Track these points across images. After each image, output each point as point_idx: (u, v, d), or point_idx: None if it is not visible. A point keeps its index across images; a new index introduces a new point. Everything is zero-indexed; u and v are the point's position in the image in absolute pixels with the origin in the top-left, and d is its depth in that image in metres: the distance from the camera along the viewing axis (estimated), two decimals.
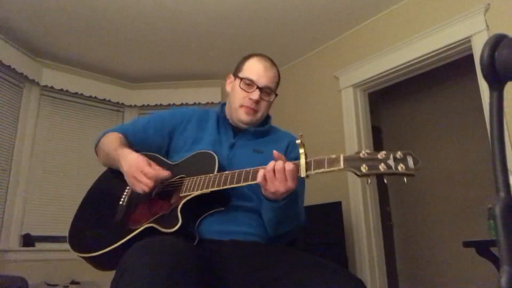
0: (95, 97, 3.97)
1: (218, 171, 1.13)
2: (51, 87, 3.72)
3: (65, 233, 1.24)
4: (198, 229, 1.13)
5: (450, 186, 3.91)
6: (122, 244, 1.08)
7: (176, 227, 1.04)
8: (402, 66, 2.95)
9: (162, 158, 1.31)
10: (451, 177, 3.91)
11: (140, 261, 0.86)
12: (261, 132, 1.37)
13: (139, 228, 1.10)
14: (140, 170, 1.14)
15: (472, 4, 2.56)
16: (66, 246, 1.21)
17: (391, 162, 0.90)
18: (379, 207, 3.18)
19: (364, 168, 0.92)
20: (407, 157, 0.91)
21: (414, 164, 0.90)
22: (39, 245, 3.43)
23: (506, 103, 1.99)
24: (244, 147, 1.31)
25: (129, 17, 3.12)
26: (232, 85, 1.38)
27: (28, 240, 3.40)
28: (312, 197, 2.95)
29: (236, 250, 1.10)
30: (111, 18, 3.14)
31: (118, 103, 4.11)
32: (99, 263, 1.17)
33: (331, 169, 0.96)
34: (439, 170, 4.00)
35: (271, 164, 1.02)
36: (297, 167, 1.00)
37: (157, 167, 1.16)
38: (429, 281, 3.97)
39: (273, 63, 1.38)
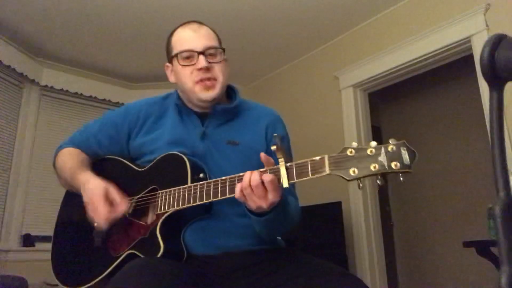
0: (95, 97, 3.97)
1: (192, 176, 1.03)
2: (51, 87, 3.72)
3: None
4: (185, 241, 1.04)
5: (450, 186, 3.91)
6: (108, 273, 1.05)
7: (159, 255, 0.98)
8: (402, 66, 2.95)
9: (127, 163, 1.19)
10: (451, 177, 3.90)
11: None
12: (231, 112, 1.18)
13: (121, 255, 1.05)
14: (94, 207, 1.04)
15: (472, 4, 2.56)
16: None
17: (383, 159, 0.80)
18: (379, 207, 3.18)
19: (353, 172, 0.82)
20: (401, 149, 0.80)
21: (410, 158, 0.79)
22: (39, 245, 3.43)
23: (506, 103, 1.99)
24: (217, 137, 1.14)
25: (129, 17, 3.12)
26: (174, 71, 1.20)
27: (28, 240, 3.40)
28: (312, 197, 2.96)
29: (231, 263, 1.02)
30: (111, 18, 3.14)
31: (118, 103, 4.11)
32: None
33: (316, 176, 0.86)
34: (439, 170, 4.00)
35: (246, 178, 0.89)
36: (277, 178, 0.89)
37: (117, 197, 1.05)
38: (429, 281, 3.97)
39: (200, 22, 1.20)
